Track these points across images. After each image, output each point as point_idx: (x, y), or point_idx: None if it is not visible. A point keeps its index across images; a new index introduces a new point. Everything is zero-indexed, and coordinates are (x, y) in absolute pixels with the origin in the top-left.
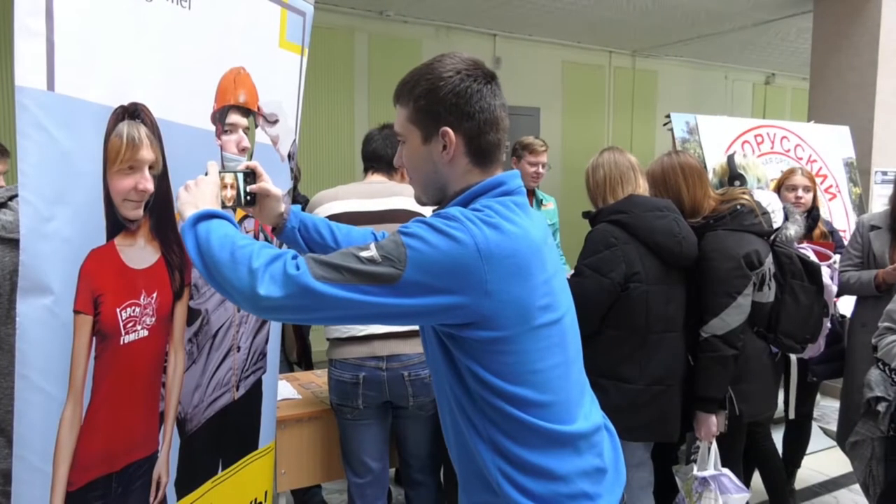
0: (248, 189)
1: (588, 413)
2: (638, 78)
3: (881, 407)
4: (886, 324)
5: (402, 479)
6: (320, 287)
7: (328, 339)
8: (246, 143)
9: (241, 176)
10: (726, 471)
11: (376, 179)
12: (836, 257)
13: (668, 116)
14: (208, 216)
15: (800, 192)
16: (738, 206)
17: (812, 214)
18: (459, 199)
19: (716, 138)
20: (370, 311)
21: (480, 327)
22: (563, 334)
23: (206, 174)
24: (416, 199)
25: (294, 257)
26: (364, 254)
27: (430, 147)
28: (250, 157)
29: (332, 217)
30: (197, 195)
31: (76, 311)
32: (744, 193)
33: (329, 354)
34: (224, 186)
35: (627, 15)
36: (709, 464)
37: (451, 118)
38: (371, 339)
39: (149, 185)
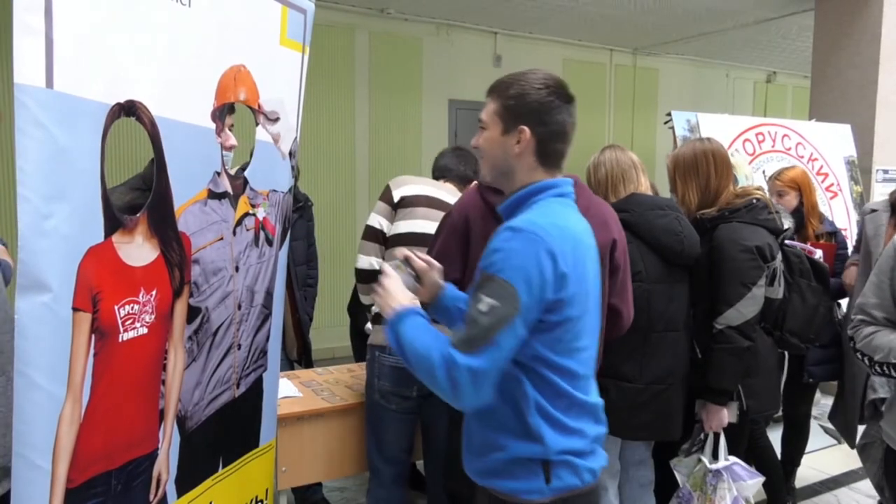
0: (414, 269)
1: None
2: (639, 76)
3: (885, 407)
4: (860, 316)
5: (425, 477)
6: (484, 359)
7: (375, 322)
8: (233, 140)
9: (403, 265)
10: (736, 459)
11: (449, 185)
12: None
13: (670, 115)
14: (402, 317)
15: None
16: (754, 201)
17: (795, 216)
18: (523, 193)
19: (717, 136)
20: (522, 339)
21: (560, 310)
22: (595, 318)
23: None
24: (482, 177)
25: (450, 348)
26: (482, 307)
27: (507, 139)
28: (250, 156)
29: (423, 196)
30: (389, 296)
31: (75, 309)
32: (758, 189)
33: (379, 340)
34: (403, 272)
35: (628, 13)
36: (719, 455)
37: (529, 121)
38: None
39: None
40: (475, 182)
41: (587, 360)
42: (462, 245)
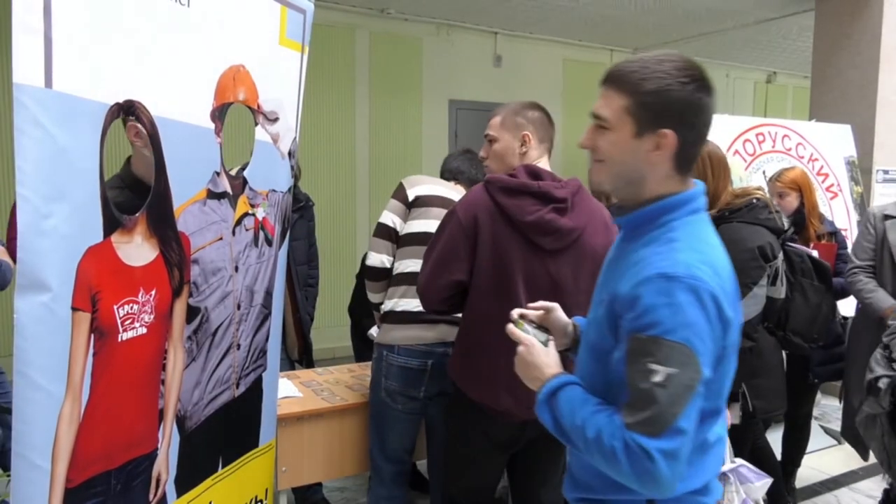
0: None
1: None
2: None
3: (882, 384)
4: None
5: (429, 478)
6: (676, 438)
7: (384, 321)
8: None
9: (524, 322)
10: (742, 461)
11: (459, 187)
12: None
13: None
14: (553, 392)
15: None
16: (754, 200)
17: (795, 218)
18: (655, 208)
19: (717, 137)
20: (698, 393)
21: (724, 358)
22: None
23: (514, 334)
24: (596, 184)
25: (633, 433)
26: (657, 378)
27: (640, 142)
28: (249, 156)
29: (437, 196)
30: (531, 368)
31: (74, 308)
32: (758, 189)
33: (387, 339)
34: (525, 328)
35: (629, 13)
36: (725, 458)
37: (674, 123)
38: (438, 323)
39: None
40: (485, 179)
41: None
42: (470, 246)
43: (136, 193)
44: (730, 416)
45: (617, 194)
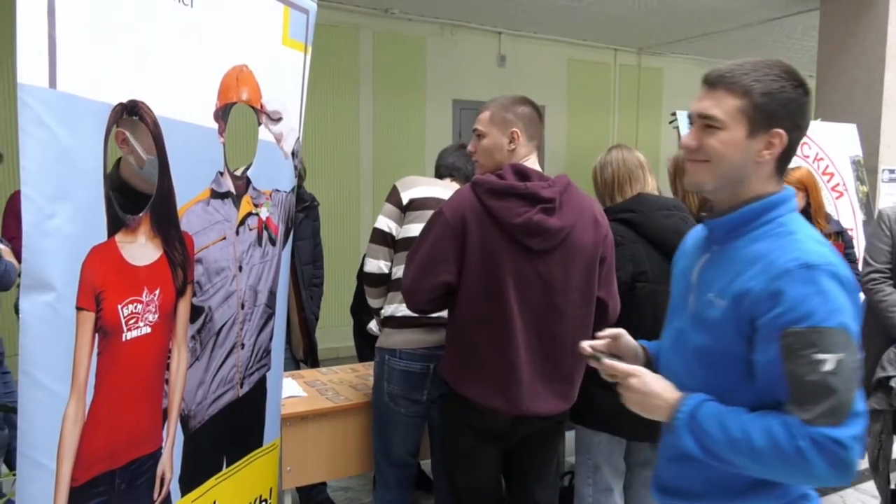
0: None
1: None
2: (643, 75)
3: (894, 383)
4: None
5: (433, 479)
6: (858, 421)
7: (385, 325)
8: None
9: (600, 355)
10: None
11: (455, 185)
12: None
13: (674, 114)
14: (692, 413)
15: None
16: None
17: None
18: (759, 207)
19: None
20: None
21: None
22: None
23: (600, 362)
24: (697, 185)
25: (816, 428)
26: (828, 367)
27: (752, 142)
28: (253, 155)
29: (431, 198)
30: (653, 393)
31: (78, 308)
32: None
33: (388, 343)
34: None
35: (633, 13)
36: None
37: (785, 123)
38: (438, 327)
39: None
40: (471, 181)
41: None
42: (458, 248)
43: (123, 196)
44: None
45: (716, 194)
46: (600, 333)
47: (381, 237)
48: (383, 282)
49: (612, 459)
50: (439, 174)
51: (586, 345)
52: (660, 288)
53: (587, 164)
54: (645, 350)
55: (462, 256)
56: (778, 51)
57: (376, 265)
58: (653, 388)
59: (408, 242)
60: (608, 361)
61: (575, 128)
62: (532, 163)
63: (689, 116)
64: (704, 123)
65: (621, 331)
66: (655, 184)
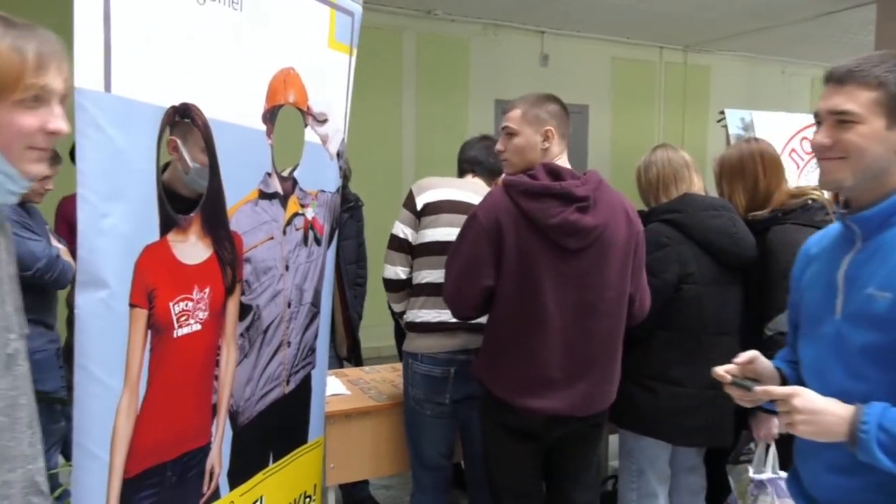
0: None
1: None
2: (690, 73)
3: None
4: None
5: (466, 477)
6: None
7: (408, 329)
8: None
9: (741, 381)
10: (785, 474)
11: (476, 181)
12: None
13: (723, 113)
14: (879, 422)
15: None
16: (810, 201)
17: None
18: None
19: (772, 135)
20: None
21: None
22: None
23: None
24: (835, 182)
25: None
26: None
27: (891, 133)
28: (300, 156)
29: (446, 202)
30: (823, 410)
31: (132, 305)
32: (816, 190)
33: (412, 347)
34: (741, 385)
35: (681, 9)
36: (766, 466)
37: None
38: (458, 331)
39: (61, 124)
40: (501, 182)
41: None
42: (495, 250)
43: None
44: (777, 425)
45: (854, 190)
46: (737, 360)
47: (397, 243)
48: (401, 287)
49: (656, 464)
50: (461, 169)
51: (722, 370)
52: (706, 289)
53: (632, 165)
54: (780, 371)
55: (499, 259)
56: (833, 46)
57: (393, 271)
58: (821, 405)
59: (425, 248)
60: (760, 388)
61: (619, 127)
62: (563, 161)
63: (818, 114)
64: (838, 119)
65: (756, 353)
66: (702, 184)
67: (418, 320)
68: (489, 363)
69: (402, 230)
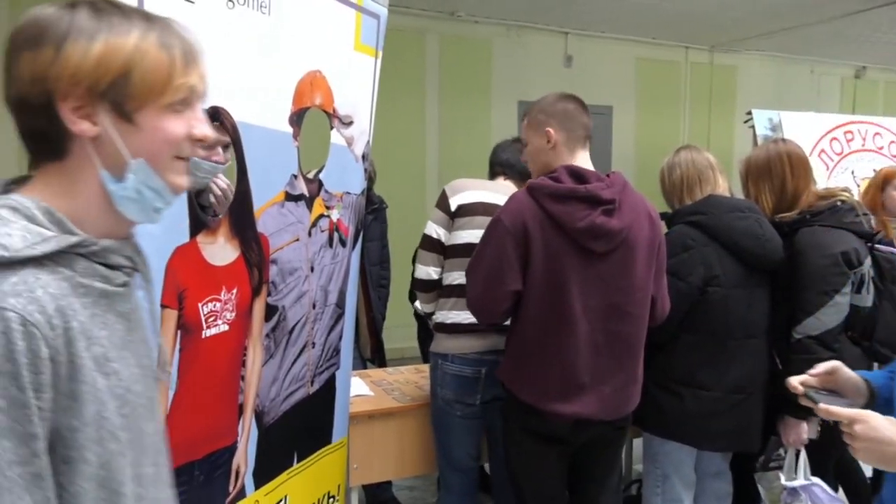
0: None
1: None
2: (716, 73)
3: None
4: None
5: (490, 479)
6: None
7: (437, 330)
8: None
9: (814, 395)
10: (818, 480)
11: (507, 184)
12: None
13: (750, 113)
14: None
15: None
16: (839, 203)
17: None
18: None
19: (801, 135)
20: None
21: None
22: None
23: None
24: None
25: None
26: None
27: None
28: (325, 158)
29: (480, 204)
30: (883, 439)
31: (163, 306)
32: (844, 191)
33: (440, 348)
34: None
35: (706, 8)
36: (798, 473)
37: None
38: (489, 332)
39: (207, 129)
40: (527, 185)
41: None
42: (522, 254)
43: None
44: (807, 431)
45: None
46: (814, 371)
47: (429, 243)
48: (433, 287)
49: (681, 469)
50: (493, 172)
51: (796, 381)
52: (733, 292)
53: (656, 166)
54: (867, 383)
55: (526, 263)
56: (862, 45)
57: (425, 271)
58: (885, 434)
59: (458, 249)
60: (825, 406)
61: (643, 129)
62: (583, 161)
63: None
64: None
65: (837, 364)
66: (727, 185)
67: (448, 321)
68: (514, 366)
69: (436, 230)
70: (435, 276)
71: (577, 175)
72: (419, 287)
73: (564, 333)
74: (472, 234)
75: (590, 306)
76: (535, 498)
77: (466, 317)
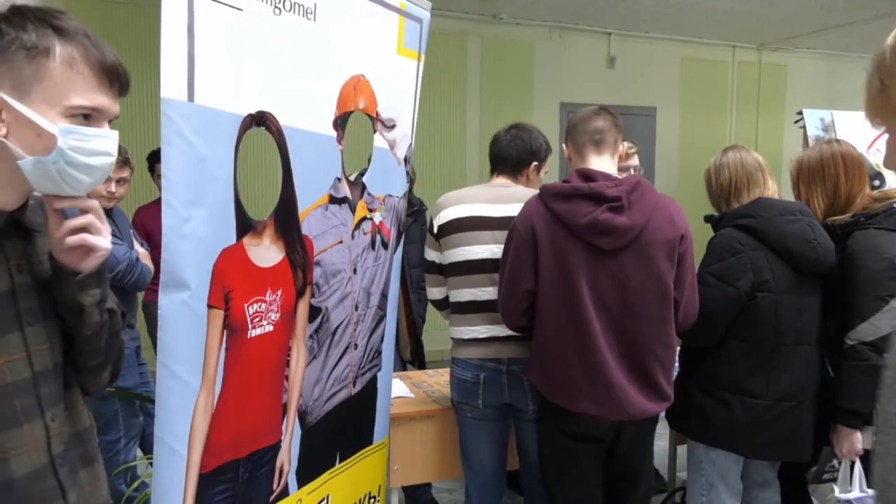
0: None
1: None
2: (764, 73)
3: None
4: None
5: (520, 485)
6: None
7: (452, 339)
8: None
9: None
10: (874, 492)
11: (501, 182)
12: None
13: (800, 113)
14: None
15: None
16: (895, 205)
17: None
18: None
19: (856, 135)
20: None
21: None
22: None
23: None
24: None
25: None
26: None
27: None
28: (368, 161)
29: (456, 220)
30: None
31: (209, 306)
32: None
33: (452, 353)
34: None
35: (754, 6)
36: (853, 485)
37: None
38: (491, 342)
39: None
40: (538, 190)
41: None
42: (532, 255)
43: None
44: (862, 440)
45: None
46: None
47: (428, 266)
48: (445, 306)
49: (727, 477)
50: (492, 169)
51: None
52: (783, 297)
53: (701, 168)
54: None
55: (537, 263)
56: None
57: (431, 292)
58: None
59: (453, 268)
60: None
61: (689, 130)
62: (595, 164)
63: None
64: None
65: None
66: (776, 187)
67: (454, 337)
68: (541, 368)
69: (428, 253)
70: (440, 296)
71: (586, 175)
72: (434, 305)
73: (581, 332)
74: (452, 254)
75: (602, 305)
76: (570, 501)
77: (468, 332)
